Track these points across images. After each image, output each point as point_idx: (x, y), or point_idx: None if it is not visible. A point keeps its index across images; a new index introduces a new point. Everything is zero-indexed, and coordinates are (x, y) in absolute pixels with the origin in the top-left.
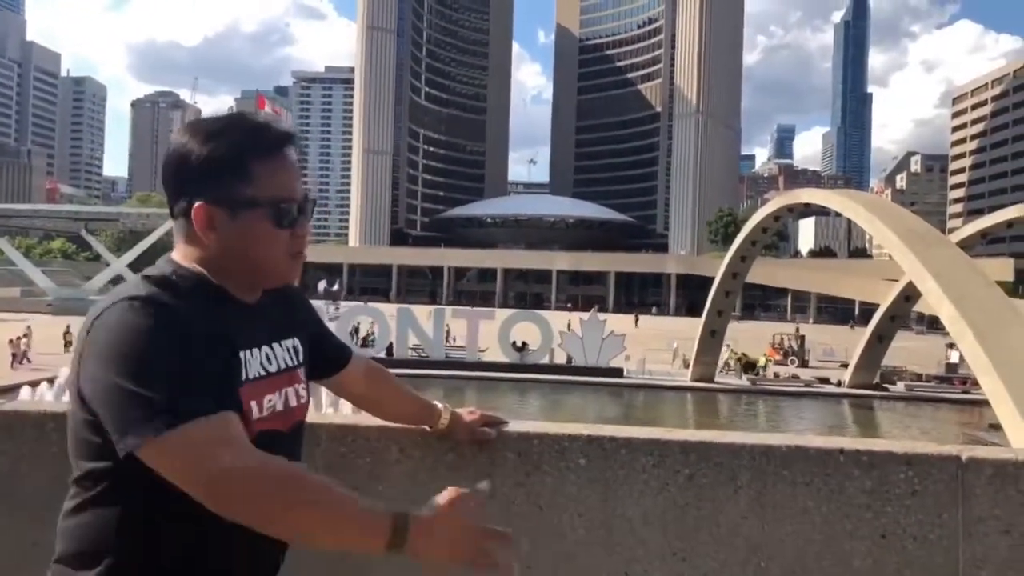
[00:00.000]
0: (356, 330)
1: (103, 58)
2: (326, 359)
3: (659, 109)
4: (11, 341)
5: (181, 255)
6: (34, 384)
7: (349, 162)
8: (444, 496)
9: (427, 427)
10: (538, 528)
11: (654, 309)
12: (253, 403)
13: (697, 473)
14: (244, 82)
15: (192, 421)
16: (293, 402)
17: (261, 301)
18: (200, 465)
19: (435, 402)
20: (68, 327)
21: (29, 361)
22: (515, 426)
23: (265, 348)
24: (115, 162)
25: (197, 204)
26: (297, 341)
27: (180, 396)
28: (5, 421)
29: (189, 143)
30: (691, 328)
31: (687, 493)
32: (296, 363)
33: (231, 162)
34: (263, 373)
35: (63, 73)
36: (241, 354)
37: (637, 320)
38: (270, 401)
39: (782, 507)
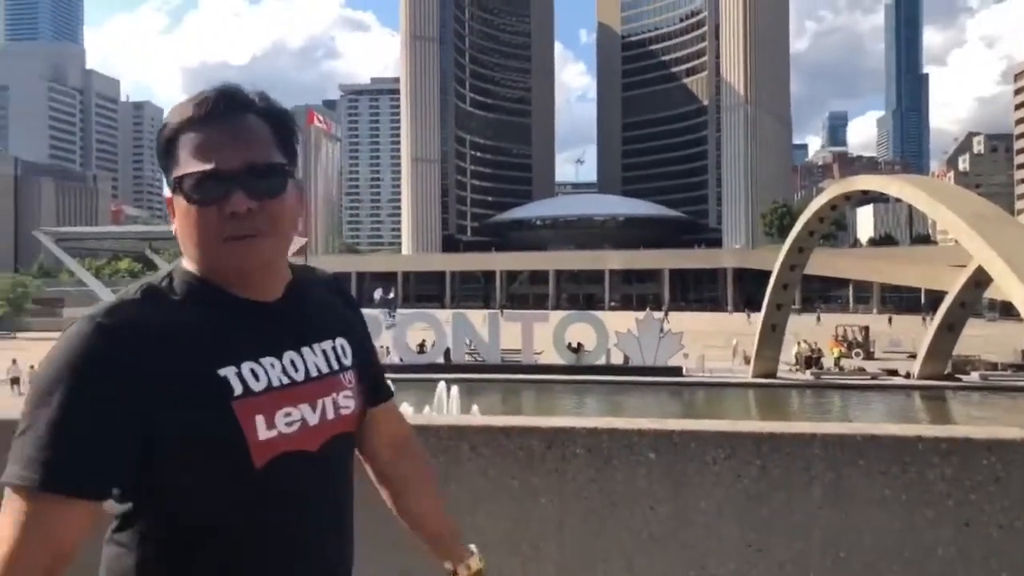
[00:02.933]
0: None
1: (159, 82)
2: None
3: (706, 102)
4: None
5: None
6: None
7: (399, 171)
8: None
9: (448, 565)
10: (612, 523)
11: (729, 307)
12: (259, 418)
13: (769, 464)
14: (294, 97)
15: (20, 487)
16: (331, 414)
17: (287, 296)
18: None
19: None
20: None
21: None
22: (584, 422)
23: (289, 354)
24: None
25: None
26: (345, 341)
27: (41, 452)
28: None
29: None
30: (745, 323)
31: (760, 484)
32: (338, 367)
33: (166, 147)
34: (283, 382)
35: (122, 99)
36: (227, 370)
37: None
38: (289, 415)
39: (859, 496)
